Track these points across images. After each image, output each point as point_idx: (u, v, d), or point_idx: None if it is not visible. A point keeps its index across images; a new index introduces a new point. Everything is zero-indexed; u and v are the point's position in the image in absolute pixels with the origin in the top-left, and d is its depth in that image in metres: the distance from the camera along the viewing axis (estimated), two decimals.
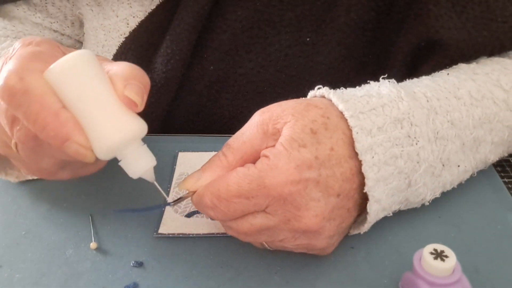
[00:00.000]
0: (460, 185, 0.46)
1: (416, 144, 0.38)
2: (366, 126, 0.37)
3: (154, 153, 0.52)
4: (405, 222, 0.43)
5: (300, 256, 0.40)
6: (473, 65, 0.47)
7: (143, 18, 0.54)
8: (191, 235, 0.42)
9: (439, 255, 0.33)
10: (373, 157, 0.37)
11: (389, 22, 0.51)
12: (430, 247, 0.34)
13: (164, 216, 0.44)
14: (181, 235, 0.42)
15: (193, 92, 0.55)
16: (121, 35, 0.55)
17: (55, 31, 0.61)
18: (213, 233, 0.42)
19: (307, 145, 0.35)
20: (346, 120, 0.37)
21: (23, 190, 0.48)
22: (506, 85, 0.44)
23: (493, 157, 0.46)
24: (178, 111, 0.56)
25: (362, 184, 0.37)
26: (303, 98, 0.40)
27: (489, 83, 0.44)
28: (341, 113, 0.38)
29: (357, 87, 0.41)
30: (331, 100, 0.39)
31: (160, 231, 0.42)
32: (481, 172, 0.48)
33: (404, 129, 0.38)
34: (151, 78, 0.52)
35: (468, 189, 0.47)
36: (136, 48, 0.54)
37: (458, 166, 0.42)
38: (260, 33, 0.52)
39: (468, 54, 0.49)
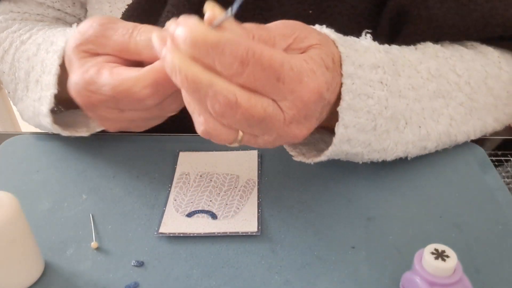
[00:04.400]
0: (461, 185, 0.46)
1: (386, 90, 0.43)
2: (352, 57, 0.41)
3: (155, 152, 0.52)
4: (405, 222, 0.43)
5: (301, 256, 0.40)
6: (437, 47, 0.51)
7: None
8: (191, 235, 0.42)
9: (440, 255, 0.33)
10: (353, 83, 0.41)
11: None
12: (431, 247, 0.34)
13: (165, 216, 0.44)
14: (181, 235, 0.42)
15: None
16: (127, 5, 0.55)
17: (58, 9, 0.62)
18: (213, 233, 0.42)
19: (330, 69, 0.38)
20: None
21: (24, 190, 0.48)
22: (460, 71, 0.49)
23: (460, 137, 0.50)
24: None
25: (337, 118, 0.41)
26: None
27: (446, 66, 0.49)
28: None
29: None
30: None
31: (160, 230, 0.42)
32: (481, 172, 0.48)
33: (378, 75, 0.43)
34: None
35: (469, 189, 0.47)
36: (139, 15, 0.54)
37: (420, 127, 0.46)
38: (263, 5, 0.53)
39: (437, 33, 0.51)
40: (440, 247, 0.34)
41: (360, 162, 0.47)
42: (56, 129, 0.50)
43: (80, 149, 0.53)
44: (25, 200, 0.46)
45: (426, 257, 0.34)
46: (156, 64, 0.40)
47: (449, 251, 0.34)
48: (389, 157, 0.47)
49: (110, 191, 0.47)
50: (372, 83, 0.42)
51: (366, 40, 0.45)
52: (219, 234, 0.42)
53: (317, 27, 0.43)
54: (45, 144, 0.54)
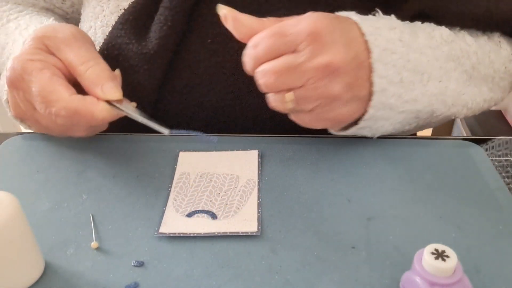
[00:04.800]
0: (461, 185, 0.46)
1: (406, 47, 0.47)
2: (368, 20, 0.46)
3: (155, 152, 0.52)
4: (406, 222, 0.43)
5: (301, 256, 0.40)
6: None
7: None
8: (191, 235, 0.42)
9: (440, 255, 0.33)
10: (375, 39, 0.45)
11: (384, 1, 0.53)
12: (431, 247, 0.34)
13: (165, 216, 0.44)
14: (181, 235, 0.42)
15: (190, 63, 0.55)
16: (120, 10, 0.56)
17: (47, 1, 0.64)
18: (213, 233, 0.42)
19: (330, 17, 0.44)
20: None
21: (24, 190, 0.48)
22: (469, 41, 0.54)
23: (467, 97, 0.53)
24: (174, 82, 0.56)
25: (369, 74, 0.45)
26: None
27: (458, 36, 0.54)
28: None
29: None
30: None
31: (160, 230, 0.42)
32: (481, 172, 0.48)
33: (396, 35, 0.47)
34: (145, 46, 0.54)
35: (469, 189, 0.47)
36: (134, 18, 0.55)
37: (440, 81, 0.50)
38: (258, 9, 0.53)
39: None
40: (440, 247, 0.34)
41: (398, 121, 0.50)
42: (6, 107, 0.53)
43: (80, 149, 0.53)
44: (25, 200, 0.46)
45: (426, 257, 0.34)
46: (87, 97, 0.46)
47: (449, 251, 0.34)
48: (420, 106, 0.50)
49: (110, 191, 0.47)
50: (392, 41, 0.47)
51: (377, 14, 0.50)
52: (219, 234, 0.42)
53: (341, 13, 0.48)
54: (45, 144, 0.54)
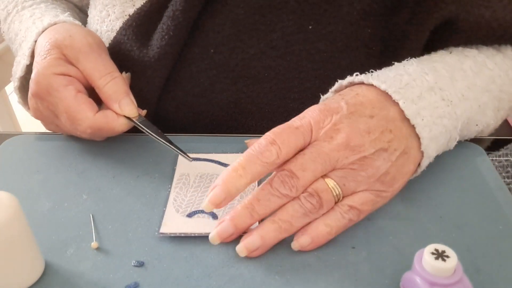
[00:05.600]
0: (461, 185, 0.46)
1: (450, 104, 0.46)
2: (408, 97, 0.44)
3: (155, 152, 0.52)
4: (406, 222, 0.43)
5: (301, 256, 0.40)
6: (460, 48, 0.53)
7: None
8: (192, 235, 0.42)
9: (440, 255, 0.33)
10: (422, 119, 0.43)
11: (394, 14, 0.52)
12: (431, 247, 0.34)
13: (165, 216, 0.44)
14: (182, 235, 0.42)
15: (192, 73, 0.55)
16: (125, 16, 0.56)
17: None
18: None
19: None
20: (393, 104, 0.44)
21: (24, 190, 0.48)
22: (490, 65, 0.52)
23: (494, 123, 0.53)
24: (175, 91, 0.56)
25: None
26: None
27: (479, 63, 0.52)
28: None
29: (384, 68, 0.48)
30: (370, 86, 0.45)
31: (161, 230, 0.42)
32: (481, 172, 0.48)
33: (438, 95, 0.45)
34: (147, 54, 0.54)
35: (469, 189, 0.47)
36: (138, 25, 0.55)
37: (476, 125, 0.50)
38: (263, 20, 0.53)
39: (481, 38, 0.53)
40: (440, 247, 0.34)
41: None
42: (17, 94, 0.56)
43: (80, 149, 0.53)
44: (25, 200, 0.46)
45: (426, 257, 0.34)
46: (108, 114, 0.49)
47: (449, 251, 0.34)
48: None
49: (110, 191, 0.47)
50: (437, 104, 0.45)
51: (408, 65, 0.47)
52: None
53: (356, 77, 0.46)
54: (45, 144, 0.54)
